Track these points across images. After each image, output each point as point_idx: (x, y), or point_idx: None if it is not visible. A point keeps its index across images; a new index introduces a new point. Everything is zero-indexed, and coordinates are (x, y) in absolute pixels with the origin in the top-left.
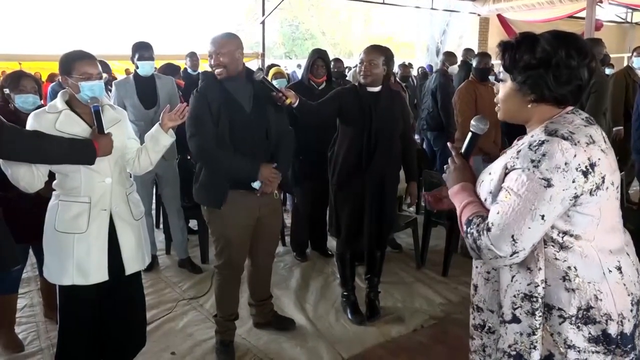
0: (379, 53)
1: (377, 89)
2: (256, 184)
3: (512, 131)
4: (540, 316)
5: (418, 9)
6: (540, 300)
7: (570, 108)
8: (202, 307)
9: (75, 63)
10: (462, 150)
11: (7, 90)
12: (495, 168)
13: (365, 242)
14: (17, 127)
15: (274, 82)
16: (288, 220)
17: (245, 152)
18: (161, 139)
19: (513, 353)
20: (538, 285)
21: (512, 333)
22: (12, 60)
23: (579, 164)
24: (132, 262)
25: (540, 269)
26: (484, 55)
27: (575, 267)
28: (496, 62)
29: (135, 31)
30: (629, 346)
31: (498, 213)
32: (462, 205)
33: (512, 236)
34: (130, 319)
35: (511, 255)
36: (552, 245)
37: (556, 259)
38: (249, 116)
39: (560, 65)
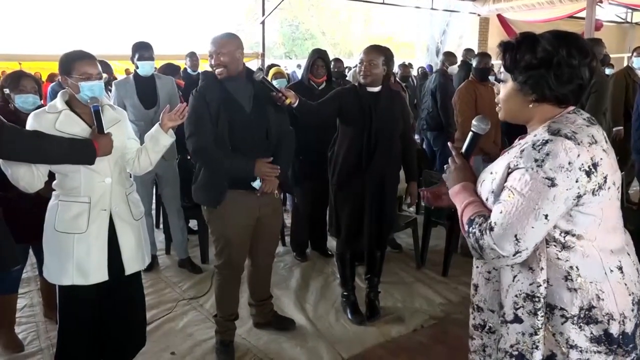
0: (379, 53)
1: (377, 89)
2: (256, 184)
3: (512, 131)
4: (542, 316)
5: (418, 9)
6: (542, 300)
7: (571, 108)
8: (202, 307)
9: (75, 63)
10: (463, 150)
11: (7, 90)
12: (497, 167)
13: (365, 242)
14: (17, 127)
15: (274, 82)
16: (288, 220)
17: (245, 152)
18: (161, 139)
19: (515, 353)
20: (540, 285)
21: (513, 333)
22: (12, 60)
23: (582, 164)
24: (132, 262)
25: (542, 268)
26: (484, 55)
27: (577, 267)
28: (496, 62)
29: (135, 31)
30: (631, 346)
31: (501, 212)
32: (464, 205)
33: (515, 235)
34: (130, 319)
35: (514, 255)
36: (554, 245)
37: (558, 258)
38: (249, 116)
39: (562, 64)
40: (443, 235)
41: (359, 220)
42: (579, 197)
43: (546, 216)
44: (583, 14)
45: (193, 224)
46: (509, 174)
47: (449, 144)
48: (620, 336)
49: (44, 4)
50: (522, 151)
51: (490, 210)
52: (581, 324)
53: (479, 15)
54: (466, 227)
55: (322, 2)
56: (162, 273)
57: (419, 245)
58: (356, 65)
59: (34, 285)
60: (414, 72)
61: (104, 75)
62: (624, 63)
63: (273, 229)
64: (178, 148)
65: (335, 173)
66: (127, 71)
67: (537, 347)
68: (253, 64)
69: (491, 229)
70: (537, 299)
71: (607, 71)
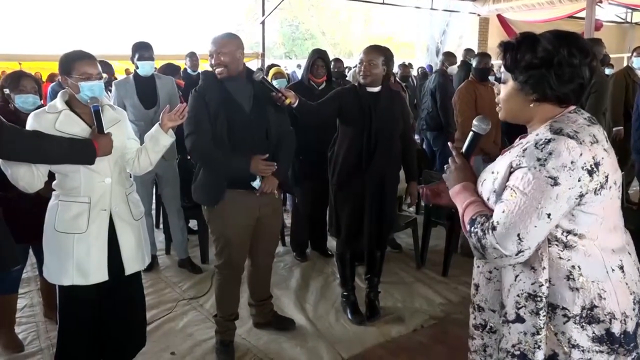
0: (379, 53)
1: (376, 89)
2: (256, 184)
3: (512, 131)
4: (544, 316)
5: (418, 9)
6: (544, 299)
7: (572, 107)
8: (202, 307)
9: (75, 63)
10: (463, 150)
11: (7, 90)
12: (499, 167)
13: (365, 242)
14: (17, 127)
15: (274, 82)
16: (288, 220)
17: (245, 152)
18: (161, 139)
19: (517, 353)
20: (542, 285)
21: (515, 333)
22: (12, 60)
23: (585, 163)
24: (132, 262)
25: (544, 268)
26: (484, 56)
27: (579, 266)
28: (496, 63)
29: (135, 31)
30: (632, 345)
31: (503, 212)
32: (465, 205)
33: (518, 235)
34: (130, 319)
35: (516, 254)
36: (556, 245)
37: (560, 258)
38: (248, 116)
39: (563, 63)
40: (443, 235)
41: (359, 220)
42: (581, 196)
43: (549, 215)
44: (583, 14)
45: (193, 224)
46: (511, 173)
47: (449, 144)
48: (622, 335)
49: (44, 4)
50: (524, 150)
51: (491, 210)
52: (583, 324)
53: (478, 15)
54: (468, 226)
55: (322, 2)
56: (162, 273)
57: (419, 245)
58: (356, 65)
59: (34, 285)
60: (414, 72)
61: (104, 75)
62: (624, 63)
63: (273, 229)
64: (178, 148)
65: (335, 173)
66: (127, 71)
67: (539, 347)
68: (253, 64)
69: (494, 228)
70: (539, 299)
71: (607, 71)
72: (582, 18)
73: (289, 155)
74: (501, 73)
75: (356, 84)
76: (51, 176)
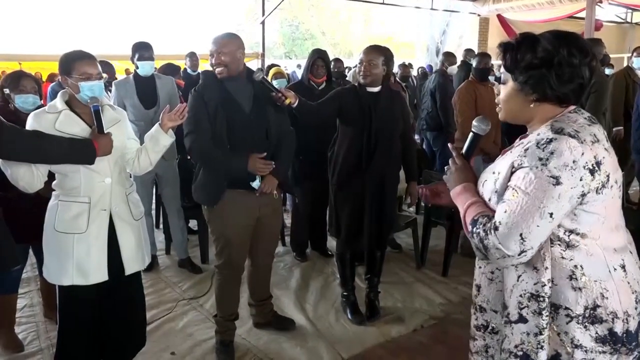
0: (379, 53)
1: (376, 89)
2: (255, 184)
3: (512, 131)
4: (547, 316)
5: (418, 9)
6: (547, 299)
7: (572, 107)
8: (202, 307)
9: (75, 63)
10: (463, 150)
11: (7, 90)
12: (500, 167)
13: (365, 242)
14: (17, 127)
15: (274, 82)
16: (288, 220)
17: (245, 152)
18: (161, 139)
19: (520, 353)
20: (545, 285)
21: (518, 333)
22: (12, 60)
23: (586, 162)
24: (132, 262)
25: (546, 268)
26: (484, 56)
27: (581, 266)
28: (496, 63)
29: (135, 31)
30: (634, 344)
31: (505, 212)
32: (466, 206)
33: (521, 235)
34: (130, 319)
35: (519, 254)
36: (559, 244)
37: (562, 257)
38: (248, 116)
39: (563, 63)
40: (443, 235)
41: (359, 220)
42: (583, 195)
43: (551, 215)
44: (583, 14)
45: (193, 224)
46: (512, 173)
47: (449, 144)
48: (624, 334)
49: (44, 4)
50: (526, 150)
51: (493, 210)
52: (586, 324)
53: (479, 15)
54: (470, 227)
55: (322, 2)
56: (162, 273)
57: (418, 245)
58: (356, 65)
59: (34, 285)
60: (414, 72)
61: (104, 75)
62: (624, 63)
63: (273, 229)
64: (178, 148)
65: (335, 173)
66: (127, 71)
67: (542, 347)
68: (253, 64)
69: (496, 228)
70: (541, 299)
71: (607, 71)
72: (582, 18)
73: (289, 155)
74: (501, 73)
75: (356, 84)
76: (51, 176)
